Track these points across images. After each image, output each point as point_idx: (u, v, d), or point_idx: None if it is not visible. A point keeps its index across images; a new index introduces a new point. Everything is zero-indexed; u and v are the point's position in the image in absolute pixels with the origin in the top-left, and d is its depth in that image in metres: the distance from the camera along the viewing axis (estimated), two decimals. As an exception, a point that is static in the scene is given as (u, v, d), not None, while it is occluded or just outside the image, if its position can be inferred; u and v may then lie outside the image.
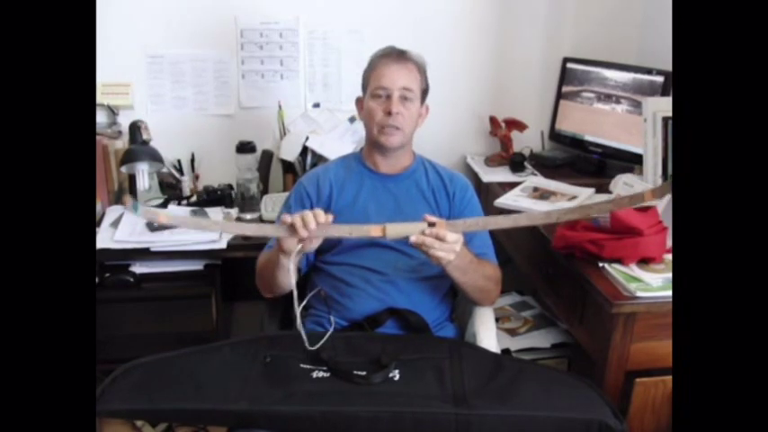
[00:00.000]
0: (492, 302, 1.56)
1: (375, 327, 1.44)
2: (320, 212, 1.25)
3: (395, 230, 1.26)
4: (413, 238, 1.26)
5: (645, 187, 1.61)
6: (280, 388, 1.18)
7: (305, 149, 2.10)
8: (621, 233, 1.44)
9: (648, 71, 2.01)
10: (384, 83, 1.48)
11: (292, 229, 1.25)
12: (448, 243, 1.27)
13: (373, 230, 1.26)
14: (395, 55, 1.51)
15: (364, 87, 1.55)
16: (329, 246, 1.52)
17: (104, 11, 1.93)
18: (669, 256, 1.46)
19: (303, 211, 1.26)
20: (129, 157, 1.88)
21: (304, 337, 1.28)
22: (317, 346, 1.29)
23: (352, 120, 2.18)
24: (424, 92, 1.55)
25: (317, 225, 1.24)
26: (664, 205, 1.53)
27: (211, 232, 1.82)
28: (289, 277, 1.31)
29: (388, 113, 1.47)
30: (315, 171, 1.64)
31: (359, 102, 1.59)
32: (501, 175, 2.18)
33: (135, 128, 1.93)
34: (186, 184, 2.13)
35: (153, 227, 1.84)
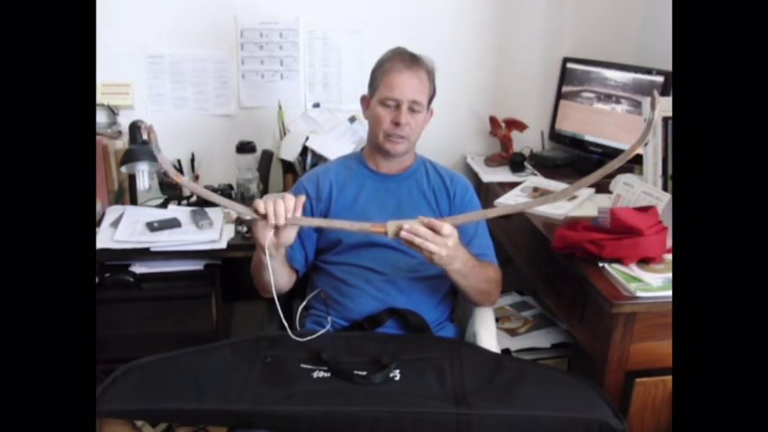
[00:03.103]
0: (492, 303, 1.56)
1: (375, 327, 1.44)
2: (290, 197, 1.27)
3: (394, 226, 1.27)
4: (406, 226, 1.25)
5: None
6: (280, 388, 1.18)
7: (305, 149, 2.10)
8: (621, 233, 1.44)
9: (648, 71, 2.01)
10: (395, 94, 1.46)
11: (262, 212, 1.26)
12: (441, 236, 1.26)
13: (374, 228, 1.28)
14: (407, 60, 1.48)
15: (372, 88, 1.53)
16: (329, 245, 1.52)
17: (104, 11, 1.93)
18: (669, 256, 1.46)
19: (275, 199, 1.27)
20: (129, 157, 1.88)
21: (287, 329, 1.29)
22: (308, 339, 1.30)
23: (352, 120, 2.18)
24: (431, 97, 1.54)
25: (286, 214, 1.25)
26: (664, 205, 1.53)
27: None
28: (271, 276, 1.30)
29: (396, 123, 1.47)
30: (315, 171, 1.64)
31: (364, 100, 1.58)
32: (501, 175, 2.18)
33: (135, 128, 1.93)
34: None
35: (153, 227, 1.84)
